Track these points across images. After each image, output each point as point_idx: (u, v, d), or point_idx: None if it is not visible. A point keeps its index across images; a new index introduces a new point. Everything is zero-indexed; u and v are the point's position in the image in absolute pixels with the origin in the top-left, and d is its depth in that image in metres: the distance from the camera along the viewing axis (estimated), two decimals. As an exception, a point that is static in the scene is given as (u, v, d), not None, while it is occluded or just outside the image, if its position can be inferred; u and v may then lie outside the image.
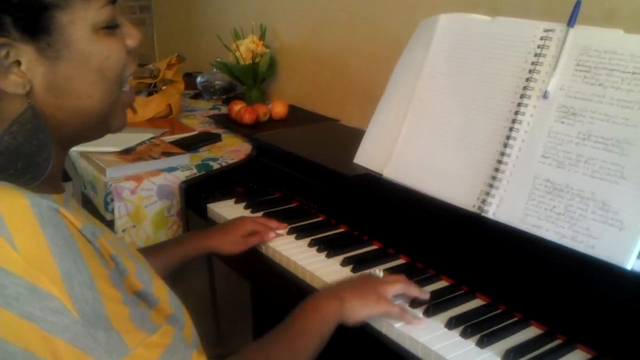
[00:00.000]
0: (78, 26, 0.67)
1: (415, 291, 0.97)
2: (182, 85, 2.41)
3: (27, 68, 0.66)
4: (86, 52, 0.69)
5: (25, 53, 0.66)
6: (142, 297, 0.74)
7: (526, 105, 1.03)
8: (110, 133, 0.79)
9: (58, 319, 0.60)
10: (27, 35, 0.65)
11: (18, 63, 0.66)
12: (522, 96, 1.04)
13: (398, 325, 0.92)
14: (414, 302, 0.98)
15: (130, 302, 0.67)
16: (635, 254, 0.86)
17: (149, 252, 1.05)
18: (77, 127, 0.73)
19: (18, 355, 0.60)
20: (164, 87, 2.33)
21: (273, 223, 1.27)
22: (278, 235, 1.24)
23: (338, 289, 0.95)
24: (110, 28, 0.71)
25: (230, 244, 1.20)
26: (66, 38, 0.67)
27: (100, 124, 0.75)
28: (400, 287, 0.97)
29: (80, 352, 0.61)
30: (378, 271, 1.03)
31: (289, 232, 1.26)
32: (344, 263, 1.13)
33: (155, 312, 0.72)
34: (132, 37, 0.75)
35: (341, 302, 0.91)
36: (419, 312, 0.95)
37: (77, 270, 0.62)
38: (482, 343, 0.88)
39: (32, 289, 0.60)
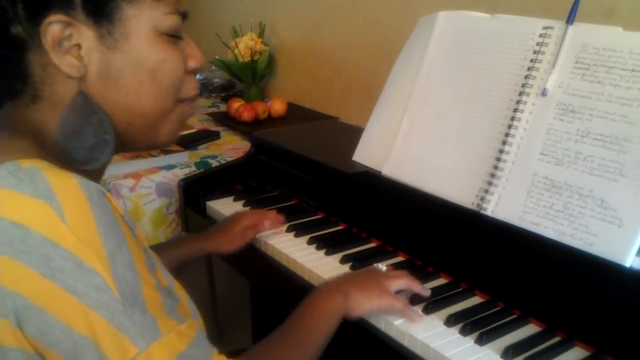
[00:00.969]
0: (141, 23, 0.70)
1: (417, 287, 0.98)
2: (181, 83, 2.41)
3: (86, 53, 0.68)
4: (143, 50, 0.71)
5: (87, 37, 0.68)
6: (169, 292, 0.75)
7: (525, 103, 1.03)
8: (158, 147, 0.81)
9: (100, 295, 0.61)
10: (92, 19, 0.68)
11: (79, 47, 0.68)
12: (520, 93, 1.04)
13: (397, 322, 0.92)
14: (414, 300, 0.98)
15: (162, 290, 0.68)
16: (634, 251, 0.86)
17: None
18: (123, 125, 0.74)
19: (56, 327, 0.60)
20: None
21: (270, 214, 1.26)
22: (274, 226, 1.24)
23: (341, 283, 0.95)
24: (172, 37, 0.73)
25: (227, 242, 1.20)
26: (127, 30, 0.69)
27: (147, 130, 0.76)
28: (404, 282, 0.97)
29: (116, 330, 0.61)
30: (382, 265, 1.03)
31: (288, 230, 1.26)
32: (343, 260, 1.13)
33: (180, 306, 0.72)
34: (195, 58, 0.77)
35: (345, 296, 0.91)
36: (418, 309, 0.96)
37: (120, 251, 0.63)
38: (481, 340, 0.88)
39: (78, 263, 0.60)
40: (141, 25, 0.70)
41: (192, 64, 0.77)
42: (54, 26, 0.66)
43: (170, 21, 0.72)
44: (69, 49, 0.68)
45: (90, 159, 0.71)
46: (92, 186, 0.64)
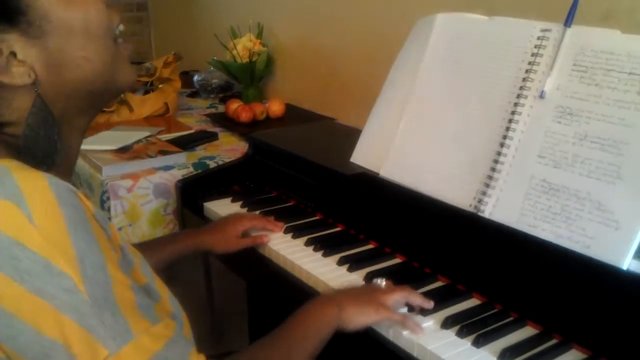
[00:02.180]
0: None
1: (417, 299, 0.95)
2: (179, 84, 2.40)
3: (23, 55, 0.68)
4: (64, 17, 0.70)
5: (14, 42, 0.67)
6: (146, 291, 0.74)
7: (523, 105, 1.03)
8: (123, 91, 0.81)
9: (68, 297, 0.60)
10: (6, 24, 0.67)
11: (14, 55, 0.67)
12: (518, 96, 1.04)
13: (394, 325, 0.92)
14: (424, 311, 0.96)
15: (136, 290, 0.67)
16: (631, 254, 0.86)
17: (143, 247, 1.06)
18: (86, 96, 0.74)
19: (25, 331, 0.60)
20: (161, 86, 2.33)
21: (269, 224, 1.26)
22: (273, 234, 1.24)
23: (337, 296, 0.94)
24: None
25: (222, 244, 1.20)
26: (40, 11, 0.68)
27: (108, 85, 0.76)
28: (401, 295, 0.95)
29: (86, 332, 0.61)
30: (380, 281, 1.01)
31: (286, 231, 1.26)
32: (340, 262, 1.12)
33: (158, 306, 0.72)
34: None
35: (340, 309, 0.90)
36: (423, 320, 0.94)
37: (90, 252, 0.63)
38: (478, 343, 0.88)
39: (46, 265, 0.60)
40: None
41: None
42: None
43: None
44: (7, 62, 0.67)
45: (46, 162, 0.70)
46: (62, 185, 0.64)
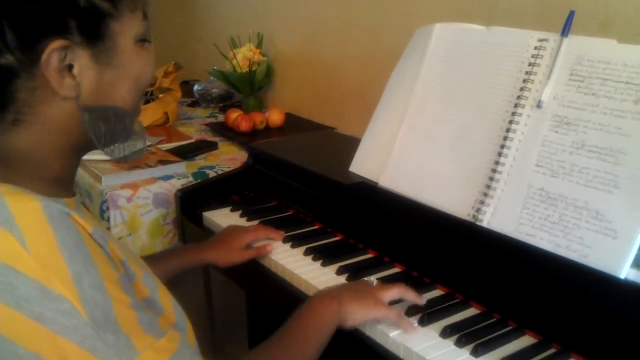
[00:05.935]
0: (125, 36, 0.73)
1: (412, 295, 0.98)
2: (179, 93, 2.41)
3: (79, 72, 0.69)
4: (130, 60, 0.73)
5: (80, 57, 0.69)
6: (149, 304, 0.74)
7: (520, 115, 1.03)
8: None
9: (68, 320, 0.60)
10: (87, 41, 0.69)
11: (71, 66, 0.69)
12: (516, 105, 1.04)
13: (393, 334, 0.92)
14: (410, 311, 0.98)
15: (138, 307, 0.67)
16: (628, 263, 0.86)
17: (146, 261, 1.06)
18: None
19: (27, 358, 0.60)
20: (161, 95, 2.33)
21: (271, 233, 1.26)
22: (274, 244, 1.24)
23: (336, 292, 0.95)
24: (145, 41, 0.76)
25: (226, 258, 1.20)
26: (116, 46, 0.72)
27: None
28: (397, 292, 0.97)
29: (89, 354, 0.61)
30: (372, 278, 1.03)
31: (285, 241, 1.26)
32: (339, 272, 1.13)
33: (161, 319, 0.72)
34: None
35: (339, 305, 0.91)
36: (414, 321, 0.96)
37: (87, 273, 0.63)
38: (477, 352, 0.88)
39: (43, 290, 0.60)
40: (126, 38, 0.72)
41: None
42: (55, 53, 0.66)
43: (143, 27, 0.75)
44: (63, 70, 0.68)
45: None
46: (54, 208, 0.64)
